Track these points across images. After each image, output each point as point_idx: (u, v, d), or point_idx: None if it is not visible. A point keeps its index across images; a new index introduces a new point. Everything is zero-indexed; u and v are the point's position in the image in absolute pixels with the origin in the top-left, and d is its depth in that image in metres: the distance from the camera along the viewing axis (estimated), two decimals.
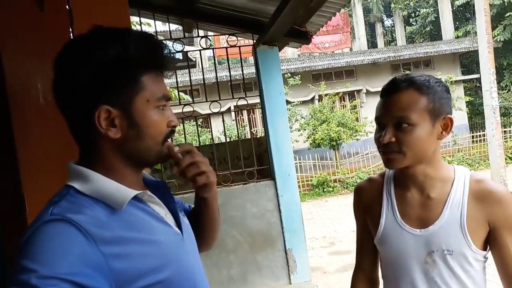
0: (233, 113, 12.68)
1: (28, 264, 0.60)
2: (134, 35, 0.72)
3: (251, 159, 3.80)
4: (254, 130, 12.83)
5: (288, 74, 11.79)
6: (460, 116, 12.90)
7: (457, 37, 15.74)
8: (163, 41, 0.78)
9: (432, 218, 0.98)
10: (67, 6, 1.67)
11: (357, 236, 1.18)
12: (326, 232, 6.40)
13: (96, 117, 0.69)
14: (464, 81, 14.86)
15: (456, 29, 16.69)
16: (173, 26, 4.04)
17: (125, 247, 0.67)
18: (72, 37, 1.64)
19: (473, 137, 12.17)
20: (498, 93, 9.61)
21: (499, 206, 0.95)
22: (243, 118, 12.91)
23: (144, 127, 0.72)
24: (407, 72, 12.75)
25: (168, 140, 0.78)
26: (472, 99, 14.44)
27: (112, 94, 0.70)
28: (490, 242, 0.98)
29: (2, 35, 1.33)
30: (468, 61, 16.83)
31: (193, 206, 1.00)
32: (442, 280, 0.97)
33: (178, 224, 0.80)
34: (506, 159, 8.87)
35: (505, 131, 11.68)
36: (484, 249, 0.99)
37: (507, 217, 0.95)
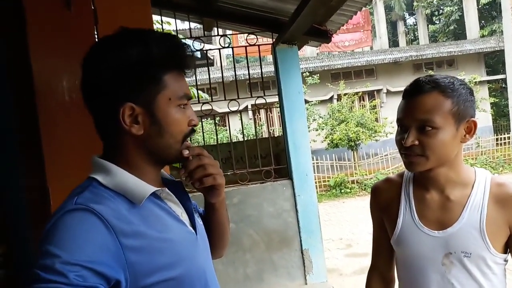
0: (250, 112, 12.70)
1: (52, 250, 0.63)
2: (156, 35, 0.75)
3: (269, 158, 3.80)
4: (271, 129, 12.81)
5: (307, 73, 11.71)
6: (484, 117, 12.52)
7: (482, 36, 15.29)
8: (184, 40, 0.79)
9: (451, 220, 0.98)
10: (92, 6, 1.72)
11: (374, 236, 1.18)
12: (343, 234, 6.33)
13: (120, 114, 0.72)
14: (489, 81, 14.42)
15: (481, 28, 16.22)
16: (192, 25, 4.07)
17: (142, 241, 0.69)
18: (96, 36, 1.68)
19: (497, 139, 11.79)
20: None
21: None
22: (260, 117, 12.92)
23: (166, 125, 0.74)
24: (430, 72, 12.47)
25: (188, 139, 0.79)
26: (497, 100, 14.00)
27: (136, 92, 0.72)
28: (510, 245, 0.97)
29: (31, 34, 1.36)
30: (494, 61, 16.32)
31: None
32: (459, 282, 0.97)
33: (193, 224, 0.82)
34: None
35: None
36: (505, 252, 0.98)
37: None
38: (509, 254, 0.99)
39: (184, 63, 0.77)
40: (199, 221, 0.87)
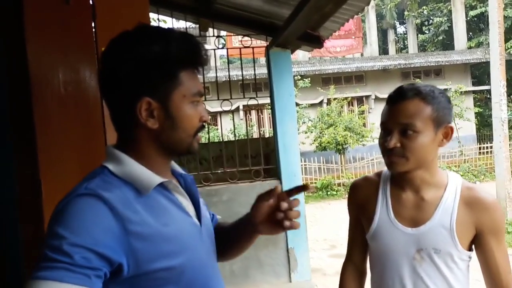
0: (241, 112, 12.76)
1: (61, 231, 0.66)
2: (176, 34, 0.78)
3: (259, 158, 3.88)
4: (261, 130, 12.88)
5: (298, 76, 11.83)
6: (468, 126, 12.83)
7: (470, 47, 15.66)
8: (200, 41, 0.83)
9: (423, 218, 1.05)
10: (90, 1, 1.73)
11: (350, 230, 1.25)
12: (327, 235, 6.45)
13: (138, 107, 0.75)
14: (474, 92, 14.79)
15: (469, 39, 16.59)
16: (187, 24, 4.11)
17: (146, 229, 0.72)
18: (94, 31, 1.69)
19: (480, 148, 12.12)
20: (508, 106, 9.58)
21: (487, 212, 1.03)
22: (251, 118, 12.99)
23: (179, 120, 0.78)
24: (418, 80, 12.73)
25: (199, 134, 0.83)
26: (482, 110, 14.37)
27: (153, 88, 0.76)
28: (476, 244, 1.06)
29: (28, 26, 1.34)
30: (479, 72, 16.74)
31: (219, 217, 1.05)
32: (428, 276, 1.05)
33: (199, 217, 0.84)
34: None
35: None
36: (469, 249, 1.07)
37: (493, 223, 1.04)
38: (473, 251, 1.07)
39: (200, 61, 0.80)
40: (206, 215, 0.89)
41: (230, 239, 0.96)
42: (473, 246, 1.08)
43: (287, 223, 0.82)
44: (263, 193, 0.85)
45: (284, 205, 0.82)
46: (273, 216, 0.84)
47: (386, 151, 1.04)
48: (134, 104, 0.75)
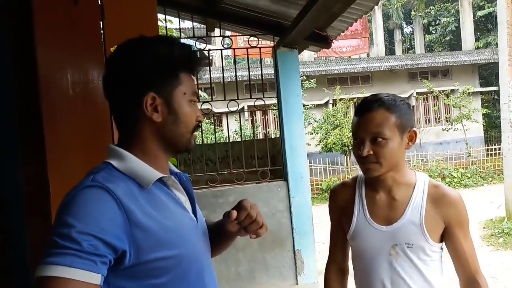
0: (246, 113, 12.74)
1: (70, 220, 0.70)
2: (177, 40, 0.89)
3: (265, 159, 3.86)
4: (266, 131, 12.86)
5: (304, 77, 11.79)
6: (475, 128, 12.71)
7: (477, 48, 15.52)
8: (186, 39, 0.90)
9: (396, 216, 1.16)
10: (99, 2, 1.74)
11: (331, 233, 1.35)
12: None
13: (144, 102, 0.82)
14: (482, 93, 14.64)
15: (477, 40, 16.45)
16: (191, 23, 4.09)
17: (147, 220, 0.77)
18: (102, 32, 1.69)
19: (488, 150, 11.99)
20: None
21: (452, 207, 1.15)
22: (256, 119, 12.97)
23: (180, 115, 0.85)
24: (425, 81, 12.62)
25: (195, 133, 0.89)
26: (489, 111, 14.23)
27: (158, 85, 0.83)
28: (445, 236, 1.17)
29: (37, 26, 1.35)
30: (487, 73, 16.59)
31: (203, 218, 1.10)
32: (403, 269, 1.15)
33: (194, 213, 0.90)
34: None
35: None
36: (440, 242, 1.17)
37: (458, 216, 1.15)
38: (443, 243, 1.18)
39: (196, 67, 0.90)
40: (200, 212, 0.95)
41: (213, 237, 1.01)
42: (443, 238, 1.18)
43: (252, 235, 0.92)
44: (225, 213, 0.90)
45: (245, 222, 0.88)
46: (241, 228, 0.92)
47: (361, 159, 1.14)
48: (141, 99, 0.82)
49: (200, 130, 0.95)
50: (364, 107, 1.15)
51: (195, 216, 0.90)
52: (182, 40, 1.02)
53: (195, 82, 0.91)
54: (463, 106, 11.59)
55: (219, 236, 1.01)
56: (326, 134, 10.78)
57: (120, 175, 0.80)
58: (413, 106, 13.39)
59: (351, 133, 1.20)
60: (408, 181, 1.18)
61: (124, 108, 0.85)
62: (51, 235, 0.71)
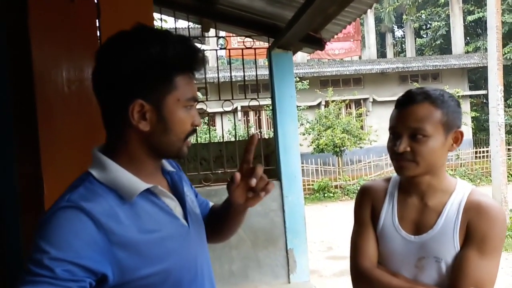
0: (239, 113, 12.76)
1: (43, 245, 0.67)
2: (174, 37, 0.77)
3: (259, 159, 3.88)
4: (259, 131, 12.89)
5: (297, 78, 11.86)
6: (464, 131, 12.75)
7: (467, 52, 15.76)
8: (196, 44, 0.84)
9: (426, 226, 1.03)
10: None
11: (360, 232, 1.15)
12: (324, 237, 6.47)
13: (130, 109, 0.74)
14: (471, 96, 14.88)
15: (467, 44, 16.71)
16: (186, 23, 4.10)
17: (130, 238, 0.72)
18: (98, 29, 1.69)
19: (476, 152, 12.19)
20: (505, 111, 9.65)
21: (480, 216, 0.98)
22: (249, 119, 13.00)
23: (171, 124, 0.77)
24: (415, 84, 12.79)
25: (189, 138, 0.82)
26: (478, 114, 14.46)
27: (147, 90, 0.75)
28: (465, 241, 1.00)
29: (33, 24, 1.35)
30: (476, 77, 16.85)
31: (211, 204, 1.07)
32: (429, 282, 1.01)
33: (186, 216, 0.84)
34: (508, 176, 8.90)
35: (509, 149, 11.70)
36: None
37: (481, 228, 0.98)
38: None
39: (196, 66, 0.79)
40: (195, 211, 0.90)
41: (221, 220, 0.98)
42: None
43: (261, 193, 0.83)
44: (230, 180, 0.85)
45: (253, 181, 0.82)
46: (248, 191, 0.85)
47: (395, 155, 1.02)
48: (127, 106, 0.74)
49: (195, 134, 0.86)
50: (407, 99, 1.02)
51: (187, 219, 0.84)
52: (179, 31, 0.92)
53: (194, 83, 0.81)
54: None
55: (228, 216, 0.95)
56: (318, 135, 10.86)
57: (100, 189, 0.74)
58: None
59: (388, 128, 1.06)
60: (445, 188, 1.04)
61: (110, 111, 0.78)
62: (26, 260, 0.68)
